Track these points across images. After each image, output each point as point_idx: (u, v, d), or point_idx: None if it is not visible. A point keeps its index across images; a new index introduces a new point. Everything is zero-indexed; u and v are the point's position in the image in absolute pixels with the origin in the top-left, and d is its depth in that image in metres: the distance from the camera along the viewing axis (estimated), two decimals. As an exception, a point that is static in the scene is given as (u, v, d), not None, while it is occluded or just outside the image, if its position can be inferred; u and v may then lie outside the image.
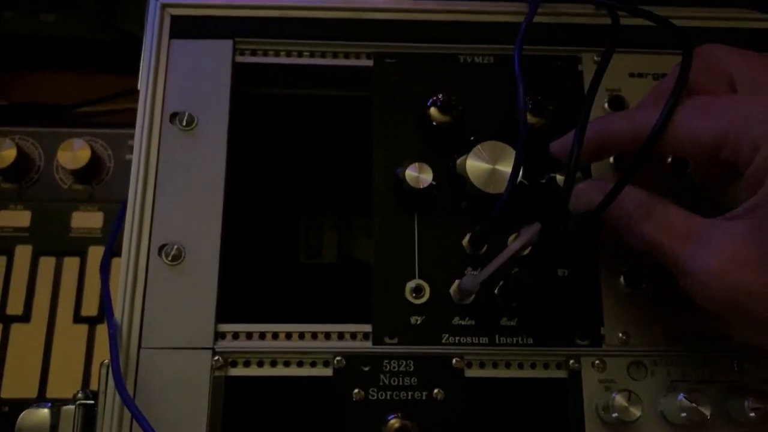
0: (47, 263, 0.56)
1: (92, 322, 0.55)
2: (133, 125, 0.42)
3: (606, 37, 0.41)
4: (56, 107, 0.61)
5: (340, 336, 0.38)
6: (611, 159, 0.41)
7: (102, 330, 0.55)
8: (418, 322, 0.38)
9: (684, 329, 0.39)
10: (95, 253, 0.57)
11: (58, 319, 0.55)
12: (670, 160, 0.41)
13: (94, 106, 0.63)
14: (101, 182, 0.58)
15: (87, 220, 0.57)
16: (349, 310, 0.40)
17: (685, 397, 0.36)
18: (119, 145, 0.59)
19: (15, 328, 0.54)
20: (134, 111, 0.44)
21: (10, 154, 0.56)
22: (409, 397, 0.37)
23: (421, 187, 0.39)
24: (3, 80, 0.64)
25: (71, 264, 0.56)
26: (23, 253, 0.56)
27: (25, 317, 0.55)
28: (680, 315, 0.39)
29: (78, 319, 0.55)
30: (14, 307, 0.55)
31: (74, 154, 0.56)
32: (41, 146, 0.58)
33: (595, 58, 0.43)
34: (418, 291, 0.39)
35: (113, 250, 0.41)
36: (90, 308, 0.55)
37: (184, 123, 0.41)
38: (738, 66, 0.35)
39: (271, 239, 0.50)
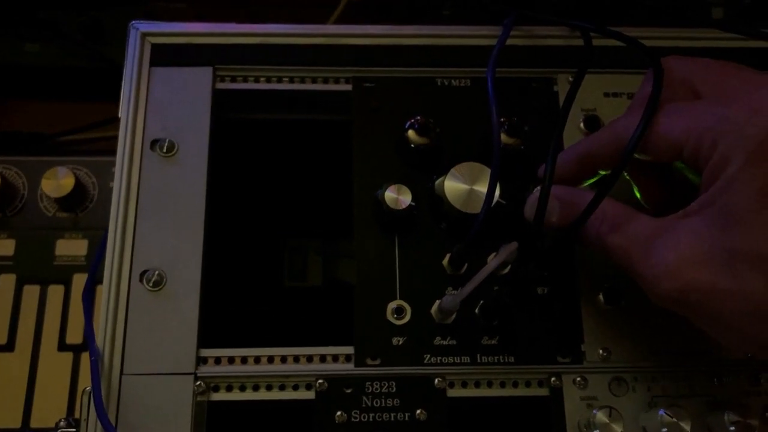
0: (31, 291, 0.56)
1: (77, 350, 0.54)
2: (116, 153, 0.42)
3: (579, 58, 0.42)
4: (40, 136, 0.61)
5: (322, 358, 0.39)
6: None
7: (87, 358, 0.54)
8: (400, 342, 0.39)
9: (664, 345, 0.39)
10: (80, 280, 0.56)
11: (43, 347, 0.55)
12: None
13: (78, 134, 0.63)
14: (85, 210, 0.58)
15: (71, 247, 0.57)
16: (333, 332, 0.40)
17: (665, 413, 0.36)
18: (103, 173, 0.59)
19: (-2, 357, 0.54)
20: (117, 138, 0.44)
21: (-6, 183, 0.56)
22: (392, 419, 0.37)
23: (401, 208, 0.39)
24: (-12, 110, 0.64)
25: (56, 292, 0.56)
26: (7, 282, 0.56)
27: (9, 346, 0.54)
28: (660, 330, 0.39)
29: (63, 347, 0.55)
30: (-3, 336, 0.55)
31: (58, 182, 0.56)
32: (25, 175, 0.58)
33: (570, 78, 0.44)
34: (399, 312, 0.39)
35: (96, 277, 0.41)
36: (75, 336, 0.55)
37: (165, 150, 0.41)
38: (698, 74, 0.35)
39: (256, 263, 0.50)
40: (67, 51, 0.64)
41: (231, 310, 0.44)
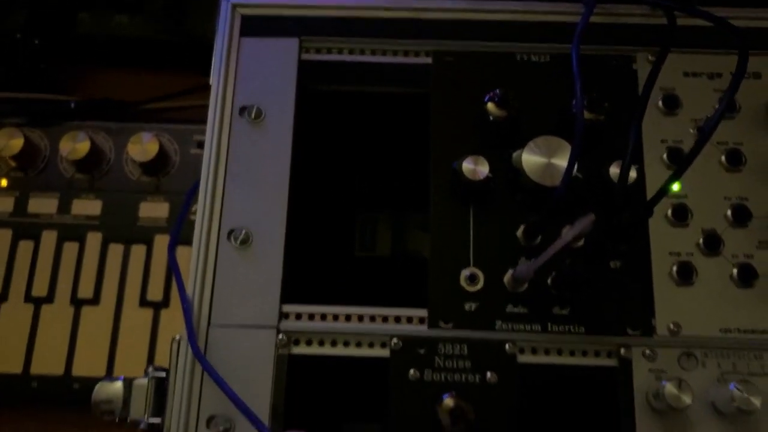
0: (116, 250, 0.59)
1: (157, 306, 0.58)
2: (198, 121, 0.44)
3: (661, 36, 0.43)
4: (126, 103, 0.65)
5: (397, 319, 0.40)
6: (664, 155, 0.42)
7: (166, 314, 0.58)
8: (472, 308, 0.40)
9: (735, 322, 0.40)
10: (161, 241, 0.60)
11: (125, 302, 0.58)
12: (724, 157, 0.42)
13: (162, 103, 0.66)
14: (167, 175, 0.61)
15: (153, 210, 0.60)
16: (403, 298, 0.41)
17: (736, 387, 0.36)
18: (185, 140, 0.62)
19: (85, 310, 0.58)
20: (199, 108, 0.46)
21: (84, 147, 0.59)
22: (463, 380, 0.39)
23: (478, 179, 0.40)
24: (78, 77, 0.68)
25: (138, 251, 0.59)
26: (94, 240, 0.60)
27: (95, 300, 0.58)
28: (731, 308, 0.40)
29: (144, 303, 0.58)
30: (85, 290, 0.58)
31: (143, 147, 0.60)
32: (112, 140, 0.62)
33: (650, 57, 0.44)
34: (472, 279, 0.40)
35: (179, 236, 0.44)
36: (155, 293, 0.58)
37: (253, 116, 0.43)
38: None
39: (329, 232, 0.52)
40: (152, 23, 0.67)
41: (309, 272, 0.46)
